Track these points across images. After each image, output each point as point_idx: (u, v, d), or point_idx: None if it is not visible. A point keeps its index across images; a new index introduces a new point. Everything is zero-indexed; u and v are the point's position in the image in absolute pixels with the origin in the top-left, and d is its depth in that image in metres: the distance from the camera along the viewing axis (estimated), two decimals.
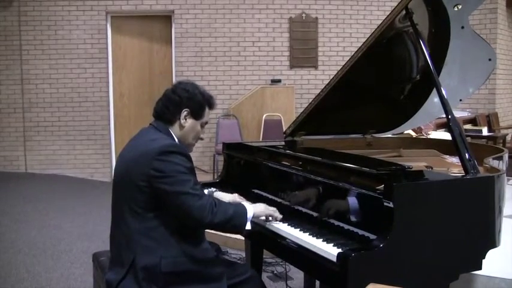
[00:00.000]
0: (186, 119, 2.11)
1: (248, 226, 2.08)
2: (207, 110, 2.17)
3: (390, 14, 2.41)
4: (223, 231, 2.17)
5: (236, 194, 2.44)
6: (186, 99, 2.10)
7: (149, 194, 1.96)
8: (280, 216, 2.21)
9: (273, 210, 2.20)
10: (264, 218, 2.19)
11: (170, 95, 2.13)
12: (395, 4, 2.40)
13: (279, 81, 7.54)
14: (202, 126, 2.18)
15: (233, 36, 7.73)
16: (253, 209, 2.11)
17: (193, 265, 2.00)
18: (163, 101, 2.13)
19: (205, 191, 2.38)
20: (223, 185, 2.81)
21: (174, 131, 2.12)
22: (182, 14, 7.66)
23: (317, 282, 2.80)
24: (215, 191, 2.46)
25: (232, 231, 2.15)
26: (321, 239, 1.93)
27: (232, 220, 2.03)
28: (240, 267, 2.27)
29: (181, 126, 2.12)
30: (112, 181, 2.17)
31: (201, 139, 2.24)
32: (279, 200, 2.42)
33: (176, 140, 2.11)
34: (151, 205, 1.97)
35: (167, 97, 2.13)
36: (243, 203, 2.19)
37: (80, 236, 4.68)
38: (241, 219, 2.06)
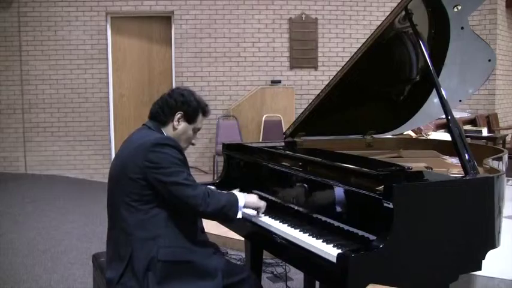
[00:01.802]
0: (179, 122, 2.19)
1: (239, 215, 2.17)
2: (200, 116, 2.24)
3: (390, 14, 2.41)
4: (216, 220, 2.26)
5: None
6: (181, 103, 2.19)
7: (144, 186, 2.02)
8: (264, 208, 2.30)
9: (263, 204, 2.29)
10: (258, 206, 2.27)
11: (166, 98, 2.21)
12: (395, 5, 2.40)
13: (279, 82, 7.54)
14: (194, 131, 2.26)
15: (233, 37, 7.74)
16: (244, 199, 2.20)
17: (189, 255, 2.06)
18: (159, 104, 2.22)
19: None
20: (223, 185, 2.81)
21: (167, 132, 2.19)
22: (182, 15, 7.66)
23: (317, 283, 2.80)
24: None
25: (225, 220, 2.25)
26: (321, 240, 1.93)
27: (225, 209, 2.12)
28: (238, 267, 2.29)
29: (174, 128, 2.19)
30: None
31: (193, 144, 2.30)
32: (278, 200, 2.43)
33: None
34: (146, 197, 2.03)
35: (163, 100, 2.22)
36: (234, 192, 2.24)
37: (80, 237, 4.68)
38: (233, 209, 2.15)
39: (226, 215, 2.15)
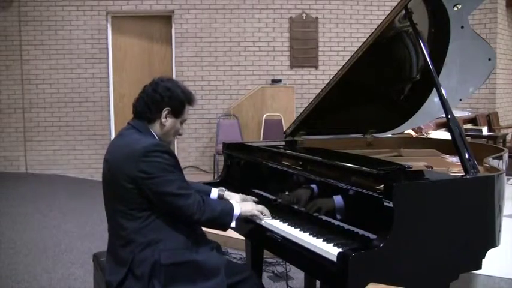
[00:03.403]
0: (166, 118, 2.11)
1: (233, 224, 2.16)
2: (187, 107, 2.16)
3: (390, 13, 2.41)
4: (210, 228, 2.23)
5: (247, 196, 2.45)
6: (168, 98, 2.09)
7: (137, 194, 1.99)
8: (269, 214, 2.26)
9: (261, 208, 2.26)
10: (254, 215, 2.24)
11: (151, 93, 2.11)
12: (395, 4, 2.40)
13: (279, 81, 7.54)
14: (181, 123, 2.19)
15: (233, 36, 7.73)
16: (240, 208, 2.18)
17: (191, 255, 2.04)
18: (145, 100, 2.11)
19: (215, 190, 2.43)
20: (224, 185, 2.81)
21: (155, 130, 2.12)
22: (182, 14, 7.66)
23: (317, 282, 2.81)
24: (225, 190, 2.46)
25: (219, 228, 2.21)
26: (321, 239, 1.93)
27: (219, 218, 2.11)
28: (239, 266, 2.29)
29: (162, 125, 2.12)
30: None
31: (180, 135, 2.24)
32: (279, 199, 2.43)
33: (157, 138, 2.12)
34: (141, 205, 2.01)
35: (148, 96, 2.11)
36: (231, 201, 2.24)
37: (80, 237, 4.68)
38: (227, 218, 2.14)
39: (220, 224, 2.14)
